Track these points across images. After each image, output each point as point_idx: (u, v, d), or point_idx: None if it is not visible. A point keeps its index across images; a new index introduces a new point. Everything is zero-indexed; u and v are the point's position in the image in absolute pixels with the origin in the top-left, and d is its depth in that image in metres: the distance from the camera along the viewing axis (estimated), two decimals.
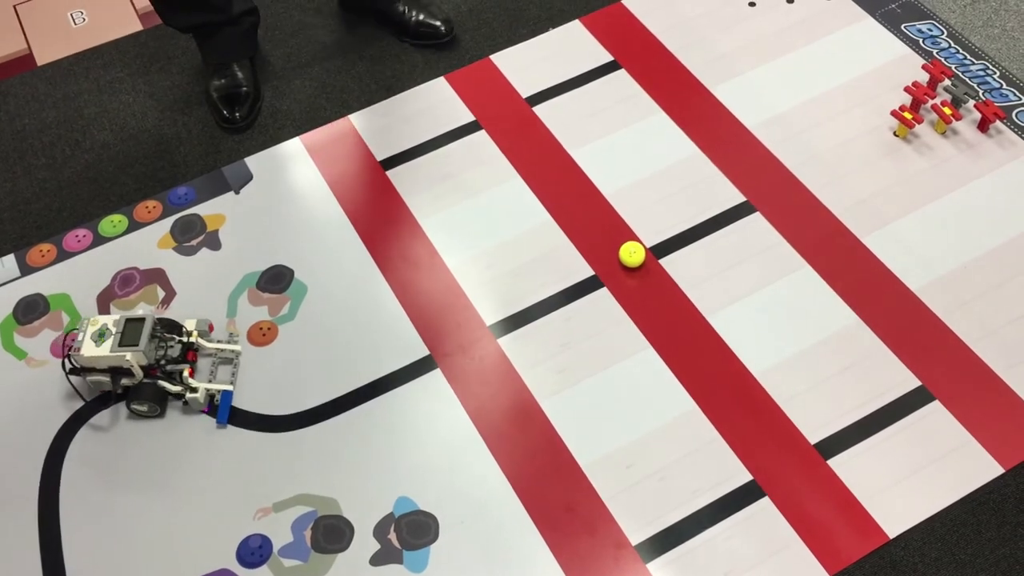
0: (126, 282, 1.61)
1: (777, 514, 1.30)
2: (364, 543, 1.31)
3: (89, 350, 1.38)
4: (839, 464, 1.34)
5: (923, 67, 1.76)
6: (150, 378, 1.41)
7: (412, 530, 1.32)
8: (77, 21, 2.07)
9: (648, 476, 1.35)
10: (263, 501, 1.36)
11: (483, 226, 1.64)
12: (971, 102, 1.73)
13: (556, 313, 1.52)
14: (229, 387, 1.45)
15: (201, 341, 1.47)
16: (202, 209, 1.70)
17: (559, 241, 1.61)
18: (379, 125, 1.81)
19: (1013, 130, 1.70)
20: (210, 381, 1.46)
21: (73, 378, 1.42)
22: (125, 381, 1.41)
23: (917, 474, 1.33)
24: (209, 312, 1.55)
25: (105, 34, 2.03)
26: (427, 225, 1.65)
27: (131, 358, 1.37)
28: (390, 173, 1.73)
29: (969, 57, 1.83)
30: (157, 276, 1.61)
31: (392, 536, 1.32)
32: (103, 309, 1.57)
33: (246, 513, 1.35)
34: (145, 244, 1.66)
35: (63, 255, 1.66)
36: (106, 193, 1.74)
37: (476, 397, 1.44)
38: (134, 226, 1.69)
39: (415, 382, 1.46)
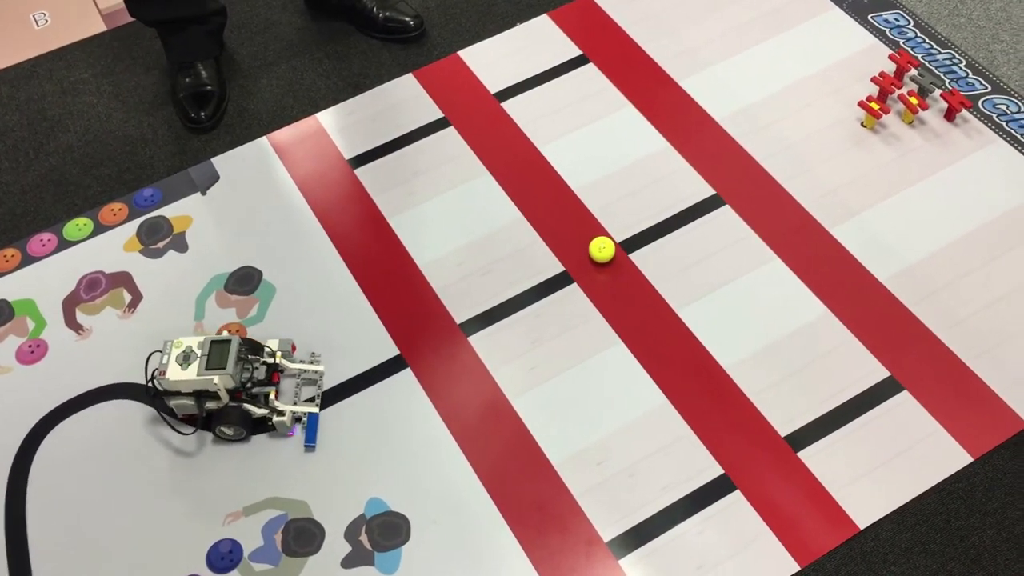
0: (92, 286, 1.59)
1: (748, 507, 1.31)
2: (335, 545, 1.31)
3: (175, 373, 1.32)
4: (809, 456, 1.35)
5: (890, 57, 1.76)
6: (235, 401, 1.37)
7: (383, 531, 1.31)
8: (39, 23, 2.04)
9: (619, 472, 1.35)
10: (233, 505, 1.35)
11: (452, 223, 1.63)
12: (937, 91, 1.73)
13: (526, 310, 1.52)
14: (315, 409, 1.41)
15: (285, 362, 1.43)
16: (169, 211, 1.69)
17: (529, 237, 1.61)
18: (347, 123, 1.80)
19: (979, 119, 1.71)
20: (295, 403, 1.42)
21: (164, 403, 1.38)
22: (210, 404, 1.36)
23: (887, 464, 1.33)
24: (177, 315, 1.54)
25: (68, 35, 2.00)
26: (396, 223, 1.64)
27: (219, 381, 1.32)
28: (358, 171, 1.72)
29: (935, 46, 1.83)
30: (123, 279, 1.60)
31: (363, 538, 1.31)
32: (69, 314, 1.56)
33: (216, 518, 1.34)
34: (111, 247, 1.64)
35: (27, 260, 1.64)
36: (71, 196, 1.72)
37: (447, 396, 1.43)
38: (99, 229, 1.67)
39: (385, 382, 1.45)
